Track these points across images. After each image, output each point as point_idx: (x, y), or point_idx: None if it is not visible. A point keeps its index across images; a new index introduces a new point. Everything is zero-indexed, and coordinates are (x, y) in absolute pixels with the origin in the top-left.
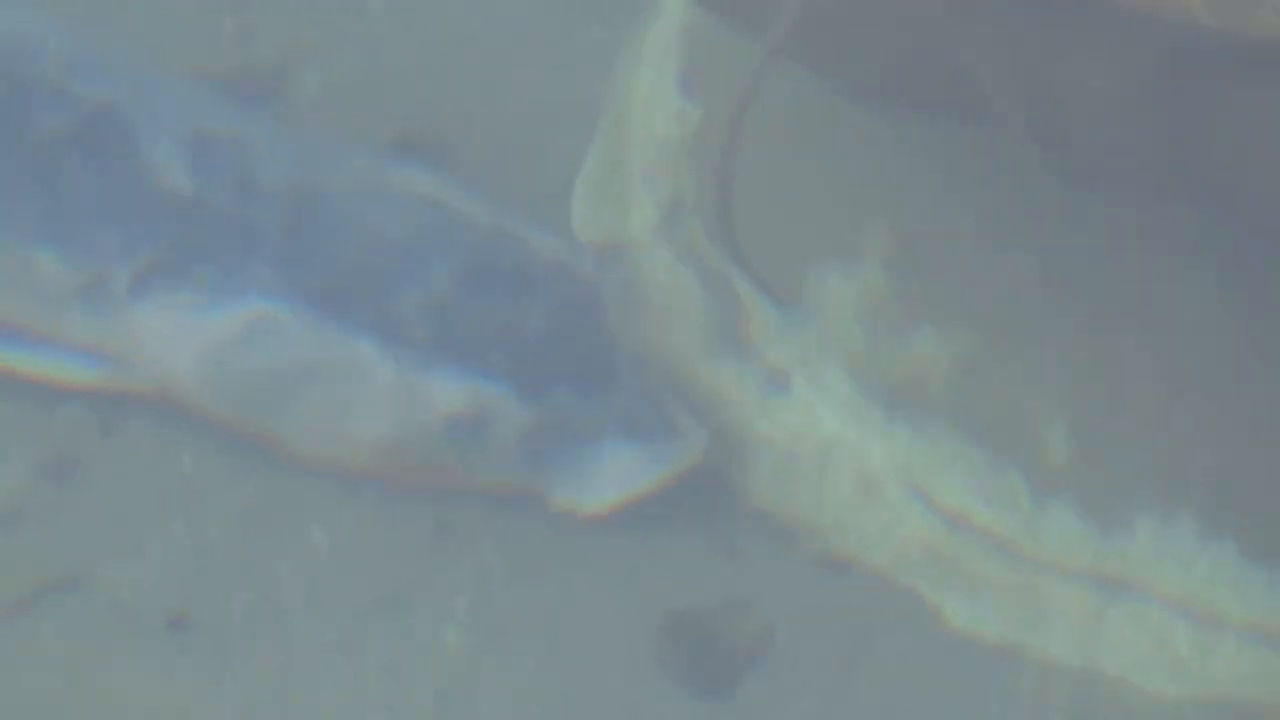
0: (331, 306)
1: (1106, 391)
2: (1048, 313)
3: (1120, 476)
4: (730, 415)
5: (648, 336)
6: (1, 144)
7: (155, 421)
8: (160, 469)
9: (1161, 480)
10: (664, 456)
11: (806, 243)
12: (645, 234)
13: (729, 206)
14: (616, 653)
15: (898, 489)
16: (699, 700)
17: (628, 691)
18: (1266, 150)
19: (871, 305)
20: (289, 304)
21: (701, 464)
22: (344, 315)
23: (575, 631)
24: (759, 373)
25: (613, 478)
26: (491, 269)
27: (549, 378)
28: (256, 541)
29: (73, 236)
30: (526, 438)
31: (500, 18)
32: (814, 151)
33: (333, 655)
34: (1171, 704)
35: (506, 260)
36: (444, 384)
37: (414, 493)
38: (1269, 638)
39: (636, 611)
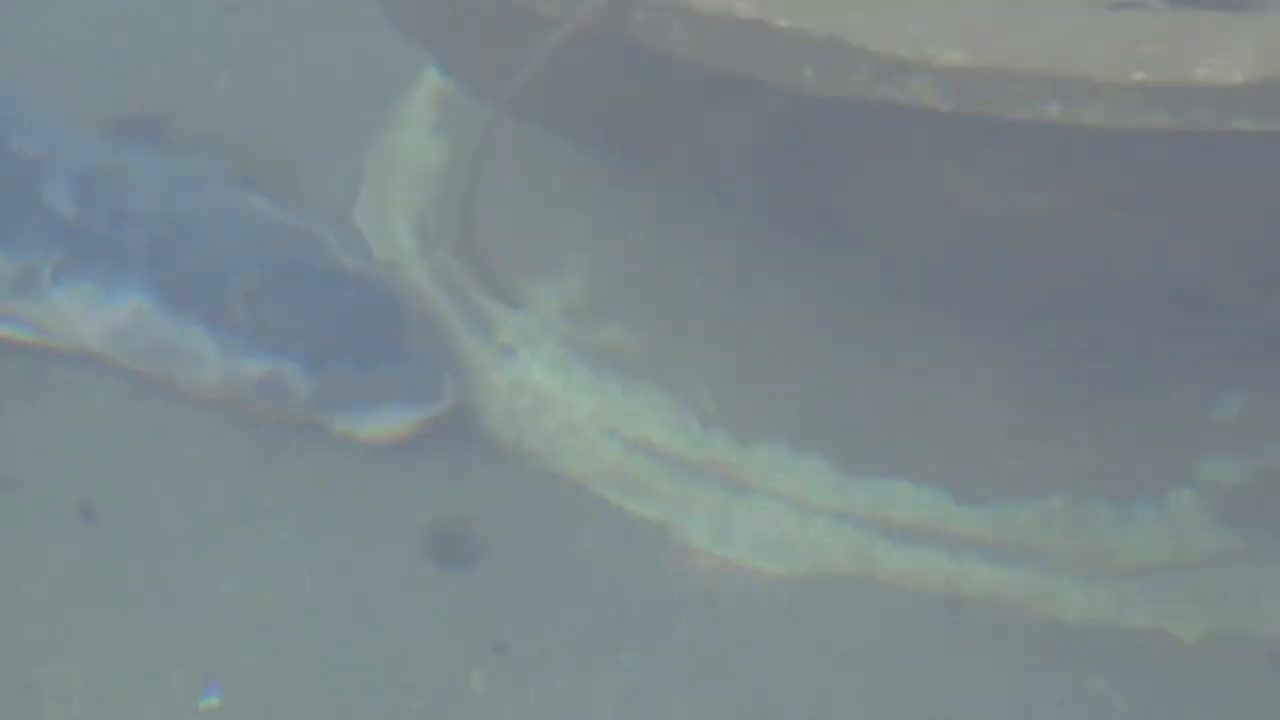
0: (179, 303)
1: (739, 358)
2: (702, 307)
3: (748, 415)
4: (473, 375)
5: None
6: None
7: (74, 369)
8: (73, 402)
9: (774, 416)
10: (426, 403)
11: (527, 259)
12: (407, 249)
13: (472, 231)
14: (394, 543)
15: (594, 424)
16: (448, 573)
17: (403, 568)
18: (860, 183)
19: (573, 303)
20: (152, 300)
21: (454, 409)
22: (187, 310)
23: (366, 528)
24: (493, 346)
25: (388, 418)
26: (300, 272)
27: (335, 353)
28: (146, 454)
29: (9, 241)
30: (315, 394)
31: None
32: (534, 188)
33: (195, 544)
34: (779, 577)
35: (315, 265)
36: (252, 361)
37: (261, 420)
38: (848, 521)
39: (408, 512)
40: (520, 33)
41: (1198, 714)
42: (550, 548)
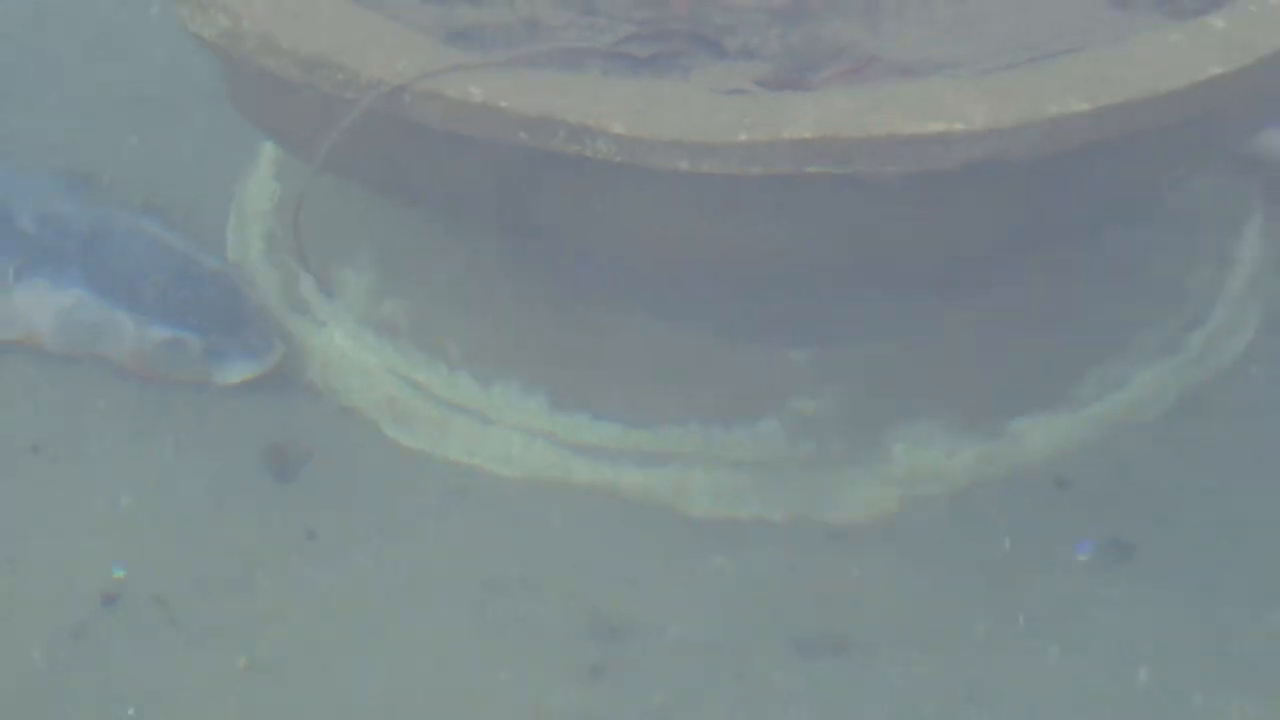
0: (106, 293)
1: (478, 327)
2: (452, 292)
3: (486, 366)
4: (298, 340)
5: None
6: None
7: (22, 358)
8: (16, 380)
9: (503, 366)
10: (264, 358)
11: (335, 260)
12: (256, 251)
13: (300, 238)
14: (238, 464)
15: (377, 373)
16: (281, 483)
17: (246, 479)
18: (559, 206)
19: (364, 291)
20: (87, 290)
21: (282, 363)
22: (110, 296)
23: (224, 446)
24: (311, 321)
25: (240, 369)
26: (187, 271)
27: (210, 325)
28: (64, 415)
29: None
30: (199, 355)
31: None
32: (339, 212)
33: (105, 467)
34: (510, 479)
35: (193, 268)
36: (158, 332)
37: (148, 382)
38: (553, 441)
39: (252, 434)
40: (325, 114)
41: (786, 577)
42: (350, 461)
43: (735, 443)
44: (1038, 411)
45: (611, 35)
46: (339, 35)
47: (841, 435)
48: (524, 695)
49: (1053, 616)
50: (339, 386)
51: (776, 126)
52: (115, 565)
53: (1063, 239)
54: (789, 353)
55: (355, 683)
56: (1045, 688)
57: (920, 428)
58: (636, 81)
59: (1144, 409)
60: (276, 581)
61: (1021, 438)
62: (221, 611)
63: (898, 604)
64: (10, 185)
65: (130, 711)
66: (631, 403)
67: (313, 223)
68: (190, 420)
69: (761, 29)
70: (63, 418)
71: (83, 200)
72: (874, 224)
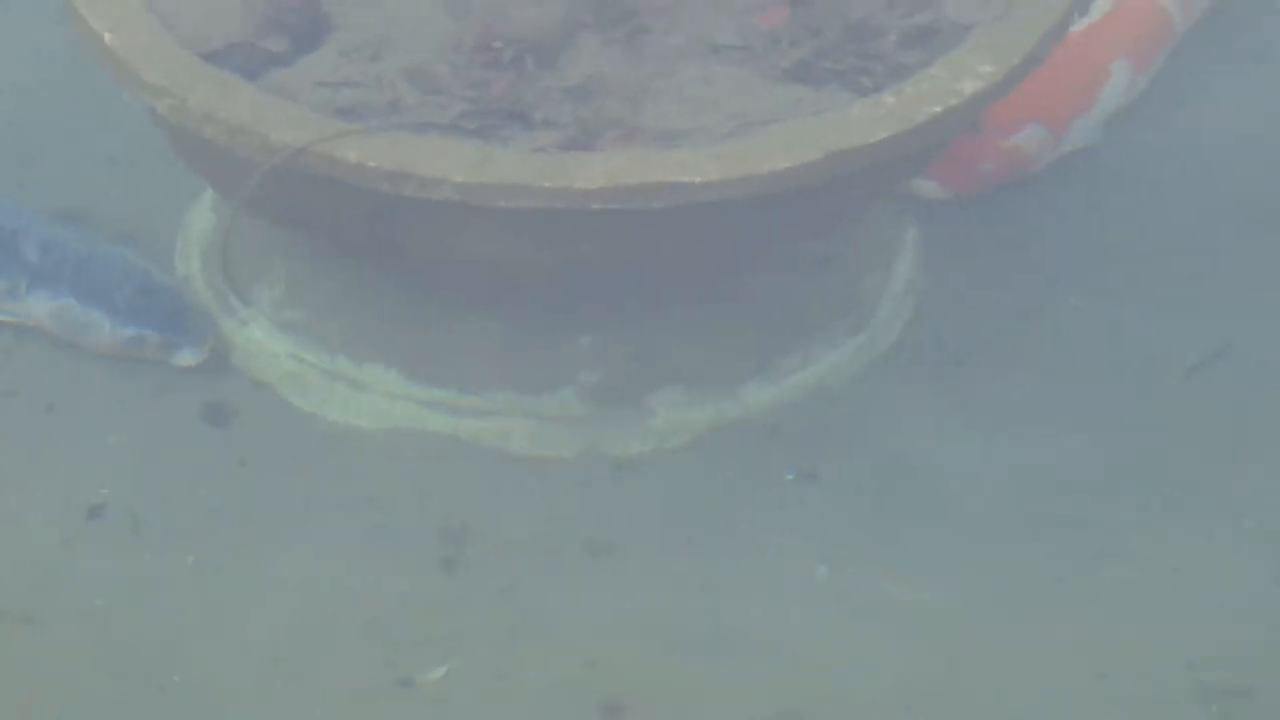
0: (89, 301)
1: (354, 320)
2: (335, 297)
3: (360, 348)
4: (227, 334)
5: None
6: None
7: (41, 343)
8: (37, 362)
9: (372, 349)
10: (203, 348)
11: (254, 275)
12: (197, 269)
13: (227, 255)
14: (187, 418)
15: (284, 356)
16: (217, 429)
17: (192, 428)
18: (414, 234)
19: (275, 299)
20: (74, 299)
21: (215, 351)
22: (92, 303)
23: (174, 406)
24: (236, 320)
25: (185, 355)
26: (147, 285)
27: (164, 325)
28: (70, 385)
29: (2, 271)
30: (156, 346)
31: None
32: (257, 238)
33: (90, 418)
34: (377, 430)
35: (152, 282)
36: (128, 330)
37: (127, 360)
38: (411, 402)
39: (194, 398)
40: (245, 168)
41: (578, 496)
42: (264, 417)
43: (542, 403)
44: (756, 380)
45: (450, 111)
46: (255, 111)
47: (617, 398)
48: (395, 583)
49: (765, 524)
50: (255, 367)
51: (572, 176)
52: (101, 488)
53: (775, 254)
54: (579, 339)
55: (272, 574)
56: (763, 577)
57: (673, 392)
58: (469, 144)
59: (832, 378)
60: (216, 498)
61: (745, 399)
62: (176, 522)
63: (658, 517)
64: (18, 221)
65: (99, 602)
66: (468, 375)
67: (236, 248)
68: (154, 389)
69: (558, 105)
70: (69, 387)
71: (72, 232)
72: (639, 246)
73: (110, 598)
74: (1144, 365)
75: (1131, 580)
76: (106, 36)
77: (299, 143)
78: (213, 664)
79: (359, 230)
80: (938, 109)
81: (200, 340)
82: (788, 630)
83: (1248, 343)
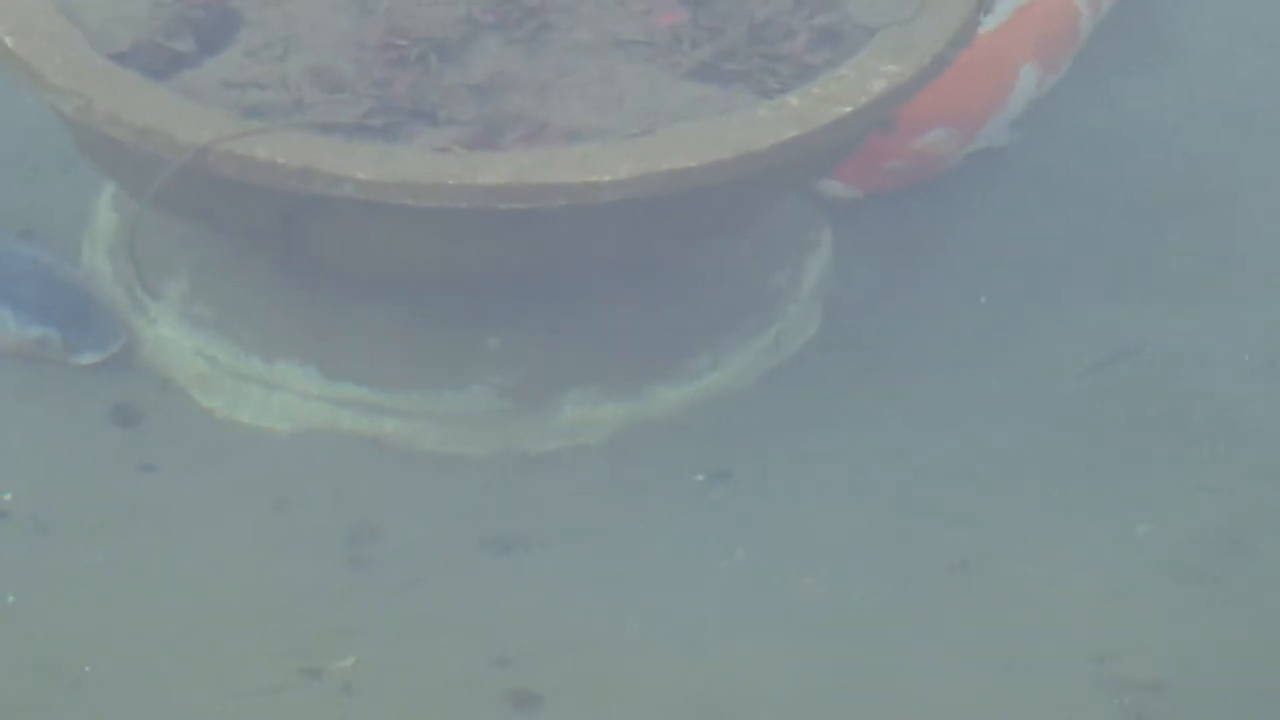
0: None
1: (265, 318)
2: (245, 295)
3: (271, 347)
4: (135, 331)
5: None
6: None
7: None
8: None
9: (284, 348)
10: (109, 346)
11: (161, 272)
12: (103, 265)
13: (134, 252)
14: (94, 419)
15: (193, 354)
16: (124, 430)
17: (99, 429)
18: (321, 231)
19: (182, 295)
20: None
21: (124, 348)
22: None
23: (83, 405)
24: (145, 317)
25: (93, 354)
26: (52, 282)
27: (70, 322)
28: None
29: None
30: (60, 345)
31: None
32: (164, 235)
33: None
34: (277, 430)
35: (58, 280)
36: (33, 329)
37: (28, 362)
38: (324, 402)
39: (103, 397)
40: (153, 166)
41: (484, 494)
42: (171, 417)
43: (453, 402)
44: (665, 381)
45: (355, 109)
46: (161, 112)
47: (528, 396)
48: (303, 580)
49: (674, 520)
50: (163, 365)
51: (476, 174)
52: (4, 490)
53: (684, 253)
54: (489, 338)
55: (179, 573)
56: (673, 571)
57: (583, 391)
58: (373, 143)
59: (742, 377)
60: (123, 500)
61: (654, 399)
62: (83, 522)
63: (568, 514)
64: None
65: (10, 598)
66: (379, 374)
67: (144, 245)
68: (59, 389)
69: (463, 102)
70: None
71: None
72: (546, 245)
73: (21, 594)
74: (1047, 364)
75: (1032, 575)
76: (8, 40)
77: (205, 141)
78: (124, 656)
79: (267, 228)
80: (847, 109)
81: (107, 338)
82: (698, 623)
83: (1148, 343)
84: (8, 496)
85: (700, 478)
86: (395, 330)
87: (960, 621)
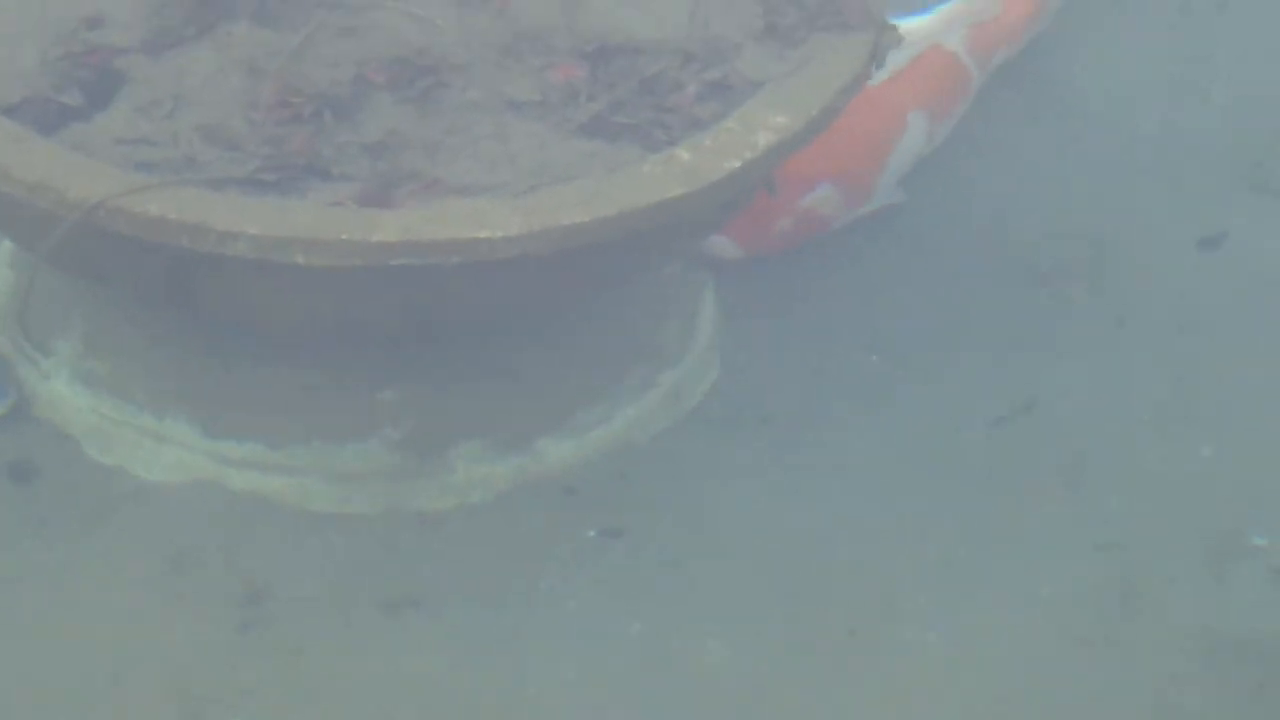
0: None
1: (158, 375)
2: (137, 353)
3: (161, 403)
4: (28, 387)
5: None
6: None
7: None
8: None
9: (175, 404)
10: (3, 402)
11: (54, 329)
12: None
13: (25, 316)
14: None
15: (86, 410)
16: (17, 486)
17: None
18: (214, 287)
19: (75, 352)
20: None
21: (16, 405)
22: None
23: None
24: (39, 373)
25: None
26: None
27: None
28: None
29: None
30: None
31: None
32: (58, 292)
33: None
34: (178, 484)
35: None
36: None
37: None
38: (210, 457)
39: None
40: (45, 222)
41: (379, 553)
42: (64, 472)
43: (344, 458)
44: (557, 435)
45: (248, 166)
46: (53, 167)
47: (419, 453)
48: (192, 640)
49: (568, 581)
50: (58, 420)
51: (369, 231)
52: None
53: (574, 307)
54: (380, 393)
55: (72, 629)
56: (565, 635)
57: (474, 447)
58: (266, 199)
59: (634, 433)
60: (13, 556)
61: (546, 454)
62: None
63: (459, 574)
64: None
65: None
66: (270, 429)
67: (36, 300)
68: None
69: (356, 159)
70: None
71: None
72: (439, 300)
73: None
74: (943, 420)
75: (931, 636)
76: None
77: (97, 197)
78: (12, 716)
79: (158, 284)
80: (734, 163)
81: (2, 393)
82: (595, 690)
83: (1043, 398)
84: None
85: (592, 534)
86: (286, 385)
87: (860, 688)
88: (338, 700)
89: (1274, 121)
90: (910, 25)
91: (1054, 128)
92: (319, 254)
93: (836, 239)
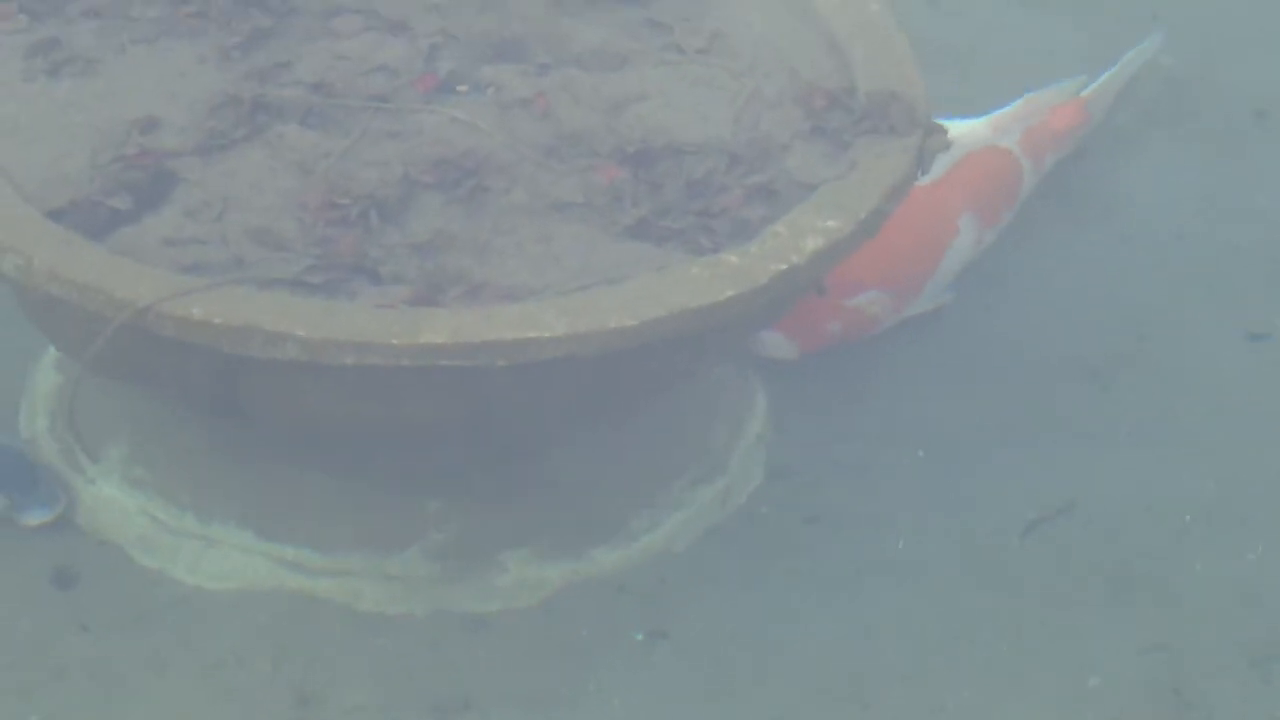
0: None
1: (204, 481)
2: (181, 459)
3: (207, 507)
4: (75, 492)
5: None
6: None
7: None
8: None
9: (222, 509)
10: (53, 508)
11: (102, 433)
12: (43, 431)
13: (74, 419)
14: (33, 579)
15: (133, 514)
16: (61, 592)
17: (38, 589)
18: (257, 392)
19: (124, 455)
20: None
21: (66, 509)
22: None
23: (17, 570)
24: (84, 478)
25: (38, 515)
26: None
27: (13, 487)
28: None
29: None
30: (5, 509)
31: None
32: (105, 393)
33: None
34: (215, 590)
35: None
36: None
37: None
38: (264, 558)
39: (40, 563)
40: (92, 325)
41: (428, 654)
42: (111, 574)
43: (392, 562)
44: (606, 539)
45: (296, 267)
46: (102, 270)
47: (466, 557)
48: None
49: (616, 679)
50: (103, 525)
51: (418, 332)
52: None
53: (621, 410)
54: (428, 498)
55: None
56: None
57: (522, 552)
58: (314, 299)
59: (681, 537)
60: (58, 659)
61: (595, 560)
62: (22, 680)
63: (508, 677)
64: None
65: None
66: (318, 533)
67: (83, 405)
68: (3, 548)
69: (404, 260)
70: None
71: None
72: (486, 403)
73: None
74: (989, 520)
75: None
76: None
77: (144, 300)
78: None
79: (206, 387)
80: (782, 266)
81: (50, 499)
82: None
83: (1088, 499)
84: None
85: (639, 636)
86: (334, 489)
87: None
88: None
89: None
90: (965, 127)
91: (1098, 228)
92: (368, 355)
93: (884, 335)
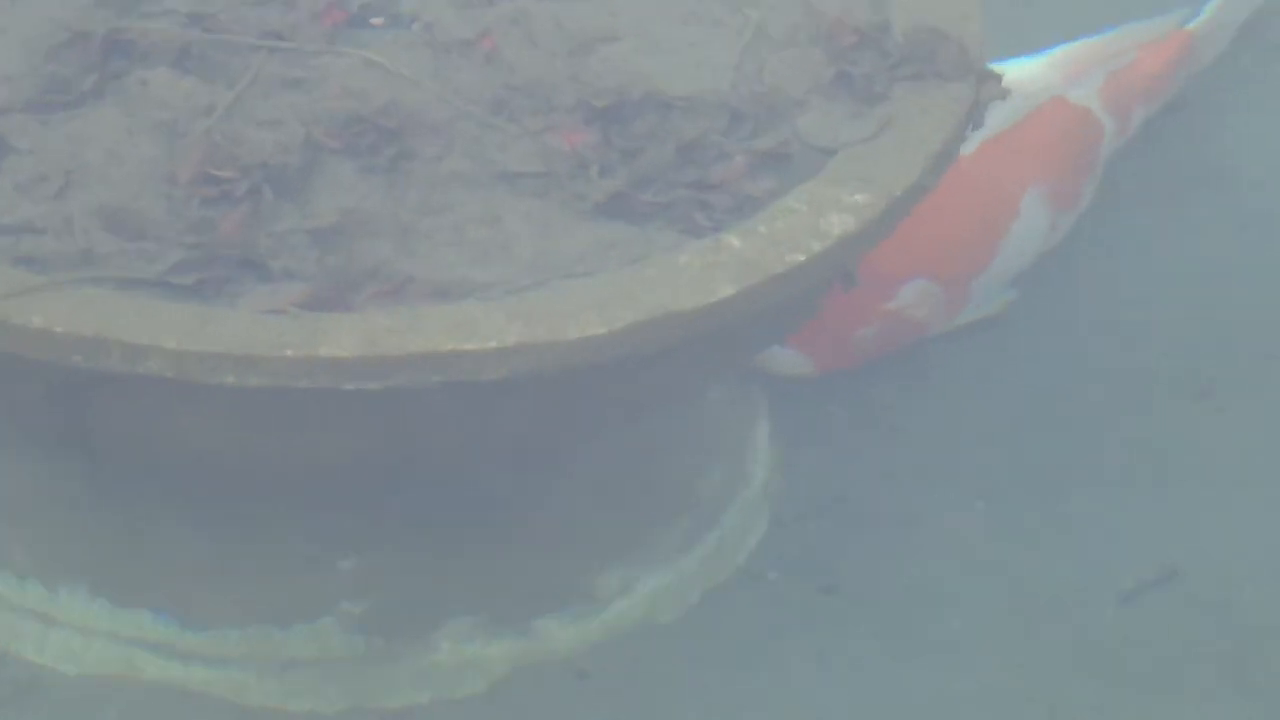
0: None
1: (49, 550)
2: (28, 509)
3: (51, 572)
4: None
5: None
6: None
7: None
8: None
9: (70, 577)
10: None
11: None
12: None
13: None
14: None
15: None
16: None
17: None
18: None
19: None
20: None
21: None
22: None
23: None
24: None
25: None
26: None
27: None
28: None
29: None
30: None
31: None
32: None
33: None
34: (64, 675)
35: None
36: None
37: None
38: (116, 640)
39: None
40: None
41: None
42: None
43: (291, 642)
44: (560, 612)
45: (163, 262)
46: None
47: (390, 633)
48: None
49: None
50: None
51: (315, 344)
52: None
53: (587, 445)
54: (339, 559)
55: None
56: None
57: (460, 626)
58: (186, 304)
59: (662, 607)
60: None
61: (547, 636)
62: None
63: None
64: None
65: None
66: (193, 605)
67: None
68: None
69: (303, 251)
70: None
71: None
72: (411, 435)
73: None
74: (1062, 593)
75: None
76: None
77: None
78: None
79: (45, 416)
80: (799, 256)
81: None
82: None
83: (1193, 558)
84: None
85: None
86: (215, 549)
87: None
88: None
89: None
90: (1027, 73)
91: (1205, 205)
92: (254, 374)
93: (925, 346)
